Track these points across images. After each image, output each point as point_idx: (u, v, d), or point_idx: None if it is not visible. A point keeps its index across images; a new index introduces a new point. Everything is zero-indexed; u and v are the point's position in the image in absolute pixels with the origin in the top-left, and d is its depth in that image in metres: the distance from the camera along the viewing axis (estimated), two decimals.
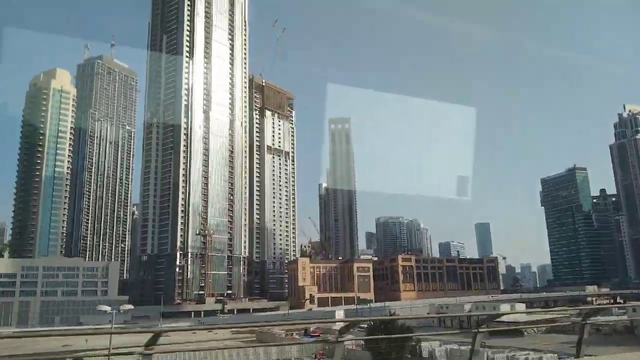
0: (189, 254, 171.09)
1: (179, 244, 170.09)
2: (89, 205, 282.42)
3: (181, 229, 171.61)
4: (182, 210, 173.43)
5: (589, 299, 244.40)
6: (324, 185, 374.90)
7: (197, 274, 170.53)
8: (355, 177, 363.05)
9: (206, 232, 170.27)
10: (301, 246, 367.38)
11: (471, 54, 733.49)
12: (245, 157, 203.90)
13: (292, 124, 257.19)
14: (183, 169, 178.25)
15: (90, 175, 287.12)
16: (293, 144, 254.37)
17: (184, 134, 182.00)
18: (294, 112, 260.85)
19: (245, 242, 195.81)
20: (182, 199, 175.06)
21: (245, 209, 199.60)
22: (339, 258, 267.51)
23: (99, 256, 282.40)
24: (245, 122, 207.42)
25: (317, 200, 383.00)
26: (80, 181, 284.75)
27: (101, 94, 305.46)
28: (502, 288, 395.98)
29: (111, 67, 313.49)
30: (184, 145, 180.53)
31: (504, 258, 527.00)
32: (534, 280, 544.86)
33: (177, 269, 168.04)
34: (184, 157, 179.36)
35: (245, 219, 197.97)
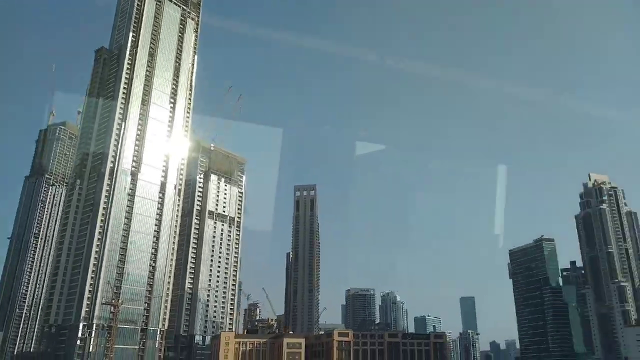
0: (94, 325, 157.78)
1: (83, 314, 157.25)
2: (30, 271, 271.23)
3: (88, 297, 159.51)
4: (92, 278, 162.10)
5: None
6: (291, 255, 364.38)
7: (101, 347, 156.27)
8: (320, 247, 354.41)
9: (113, 301, 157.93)
10: (268, 320, 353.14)
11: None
12: (176, 222, 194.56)
13: (240, 189, 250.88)
14: (100, 232, 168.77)
15: (37, 241, 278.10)
16: (240, 210, 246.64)
17: (105, 195, 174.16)
18: (244, 177, 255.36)
19: (165, 313, 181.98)
20: (94, 264, 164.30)
21: (170, 277, 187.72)
22: (290, 332, 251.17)
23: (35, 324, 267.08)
24: (180, 185, 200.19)
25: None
26: (25, 246, 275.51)
27: (60, 159, 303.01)
28: None
29: (74, 133, 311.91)
30: (104, 208, 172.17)
31: (478, 334, 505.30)
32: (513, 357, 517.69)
33: (79, 342, 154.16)
34: (102, 220, 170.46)
35: (168, 289, 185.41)
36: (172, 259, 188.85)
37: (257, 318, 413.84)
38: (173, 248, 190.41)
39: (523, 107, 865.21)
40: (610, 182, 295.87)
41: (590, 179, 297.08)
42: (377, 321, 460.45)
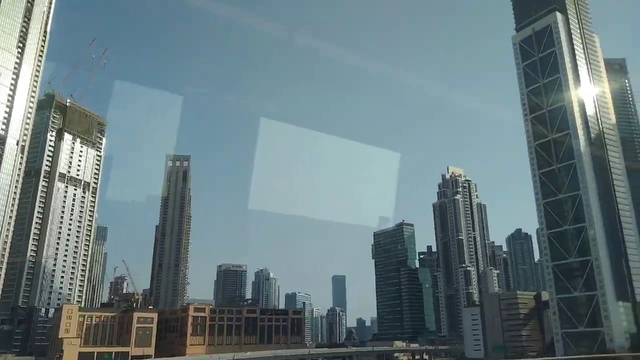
0: None
1: None
2: None
3: None
4: None
5: (395, 354, 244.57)
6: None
7: None
8: (192, 221, 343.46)
9: None
10: (134, 294, 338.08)
11: None
12: (17, 181, 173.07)
13: (99, 152, 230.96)
14: None
15: None
16: (98, 174, 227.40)
17: None
18: (104, 139, 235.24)
19: None
20: None
21: (6, 243, 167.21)
22: (150, 307, 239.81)
23: None
24: (25, 142, 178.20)
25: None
26: None
27: None
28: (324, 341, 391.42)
29: None
30: None
31: (343, 310, 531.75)
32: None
33: None
34: None
35: (3, 255, 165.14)
36: (9, 223, 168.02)
37: (125, 292, 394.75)
38: (12, 210, 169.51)
39: (413, 95, 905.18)
40: (465, 175, 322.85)
41: (448, 171, 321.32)
42: (249, 297, 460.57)
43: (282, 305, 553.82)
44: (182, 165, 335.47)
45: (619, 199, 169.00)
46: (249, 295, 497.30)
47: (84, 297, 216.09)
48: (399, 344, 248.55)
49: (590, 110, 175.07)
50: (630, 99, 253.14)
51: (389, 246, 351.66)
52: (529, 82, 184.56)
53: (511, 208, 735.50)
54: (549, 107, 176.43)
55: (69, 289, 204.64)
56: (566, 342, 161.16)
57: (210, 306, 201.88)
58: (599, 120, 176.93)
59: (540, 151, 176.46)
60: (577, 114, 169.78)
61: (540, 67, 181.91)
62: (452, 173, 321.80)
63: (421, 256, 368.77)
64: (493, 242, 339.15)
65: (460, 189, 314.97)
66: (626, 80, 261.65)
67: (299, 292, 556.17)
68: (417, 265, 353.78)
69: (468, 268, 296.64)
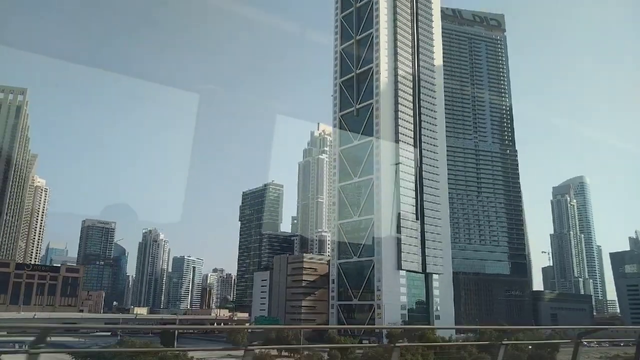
0: None
1: None
2: None
3: None
4: None
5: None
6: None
7: None
8: (36, 162, 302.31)
9: None
10: None
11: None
12: None
13: None
14: None
15: None
16: None
17: None
18: None
19: None
20: None
21: None
22: None
23: None
24: None
25: None
26: None
27: None
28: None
29: None
30: None
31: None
32: None
33: None
34: None
35: None
36: None
37: None
38: None
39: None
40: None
41: (318, 129, 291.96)
42: (115, 256, 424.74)
43: (170, 270, 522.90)
44: (17, 99, 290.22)
45: (424, 152, 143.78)
46: (131, 257, 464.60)
47: None
48: (220, 312, 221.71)
49: (403, 45, 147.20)
50: (502, 55, 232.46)
51: (256, 207, 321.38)
52: (345, 6, 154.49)
53: None
54: (358, 37, 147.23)
55: None
56: (341, 315, 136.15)
57: None
58: (416, 60, 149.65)
59: (344, 89, 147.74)
60: (382, 46, 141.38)
61: None
62: (323, 131, 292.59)
63: (295, 220, 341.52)
64: None
65: (327, 148, 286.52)
66: (502, 38, 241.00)
67: (188, 256, 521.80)
68: (283, 230, 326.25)
69: (323, 233, 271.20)
